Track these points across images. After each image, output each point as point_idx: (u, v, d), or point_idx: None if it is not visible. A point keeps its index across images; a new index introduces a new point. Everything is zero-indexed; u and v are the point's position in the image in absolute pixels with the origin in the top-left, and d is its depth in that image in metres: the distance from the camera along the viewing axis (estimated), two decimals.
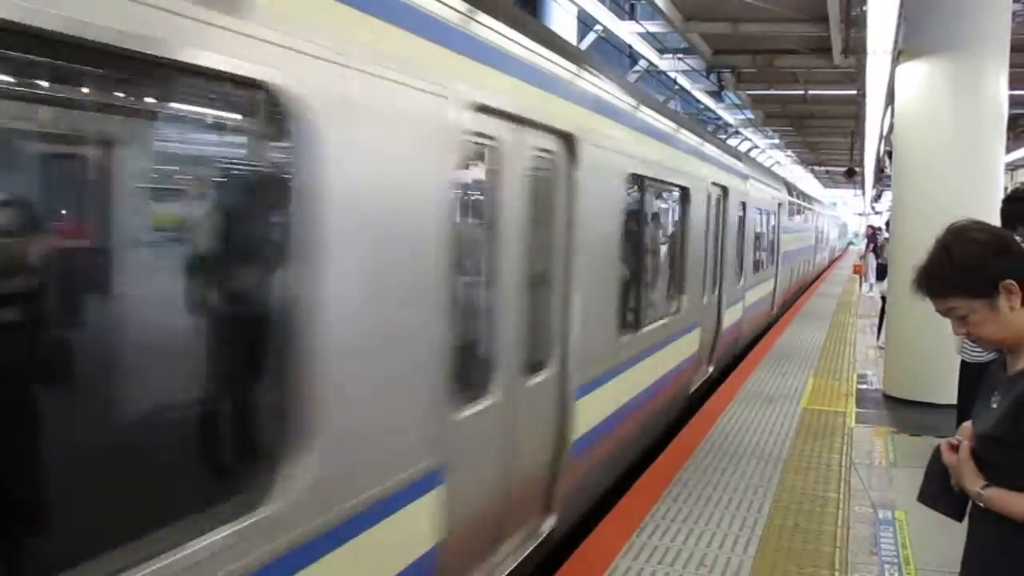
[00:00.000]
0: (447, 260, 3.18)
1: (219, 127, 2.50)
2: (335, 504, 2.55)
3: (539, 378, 4.35)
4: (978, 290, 2.08)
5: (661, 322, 6.90)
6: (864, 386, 9.01)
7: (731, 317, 10.37)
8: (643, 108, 6.19)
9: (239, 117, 2.51)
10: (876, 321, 12.75)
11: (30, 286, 1.97)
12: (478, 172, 3.77)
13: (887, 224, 12.87)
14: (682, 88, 19.01)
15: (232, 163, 2.61)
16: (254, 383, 2.55)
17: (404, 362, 2.95)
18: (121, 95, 2.19)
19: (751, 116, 24.01)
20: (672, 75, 17.68)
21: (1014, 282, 2.06)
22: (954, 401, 6.60)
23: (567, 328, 4.59)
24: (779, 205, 15.35)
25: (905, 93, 8.07)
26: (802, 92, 19.96)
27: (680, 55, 16.58)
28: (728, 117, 23.98)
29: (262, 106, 2.32)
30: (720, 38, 15.10)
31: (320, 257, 2.44)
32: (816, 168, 40.40)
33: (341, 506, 2.58)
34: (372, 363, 2.74)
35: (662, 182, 6.91)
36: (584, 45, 14.23)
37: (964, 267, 2.10)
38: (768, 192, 14.17)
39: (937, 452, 2.35)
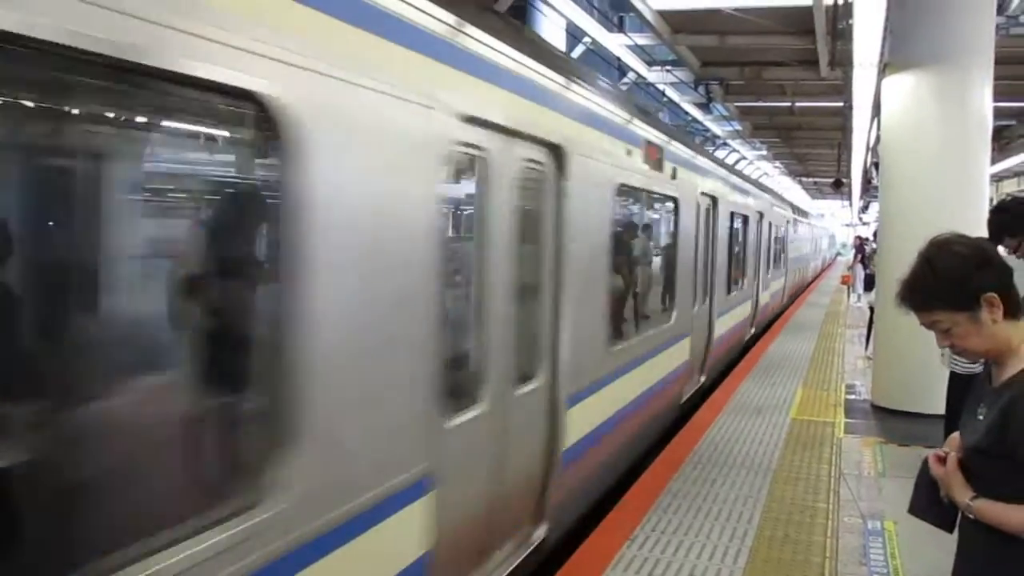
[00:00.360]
0: (437, 270, 3.22)
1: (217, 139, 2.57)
2: (324, 511, 2.55)
3: (529, 387, 4.37)
4: (960, 303, 2.09)
5: (651, 331, 7.02)
6: (853, 396, 9.03)
7: (723, 326, 10.46)
8: (632, 119, 6.22)
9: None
10: (864, 331, 12.79)
11: None
12: (468, 183, 3.79)
13: (875, 235, 12.93)
14: (670, 100, 19.09)
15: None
16: (247, 390, 2.55)
17: (393, 371, 2.97)
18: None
19: (739, 128, 24.14)
20: (660, 87, 17.77)
21: (995, 295, 2.07)
22: (942, 411, 6.64)
23: (557, 338, 4.62)
24: (760, 215, 15.32)
25: (891, 105, 8.13)
26: (789, 104, 20.09)
27: (668, 67, 16.67)
28: (716, 129, 24.10)
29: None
30: (708, 50, 15.19)
31: (312, 267, 2.46)
32: (804, 179, 40.61)
33: (330, 513, 2.58)
34: (361, 372, 2.78)
35: (650, 192, 6.99)
36: (575, 54, 14.30)
37: (946, 280, 2.11)
38: (753, 203, 14.29)
39: (926, 463, 2.36)
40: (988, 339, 2.11)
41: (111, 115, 2.17)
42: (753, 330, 14.10)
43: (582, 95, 5.03)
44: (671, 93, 18.45)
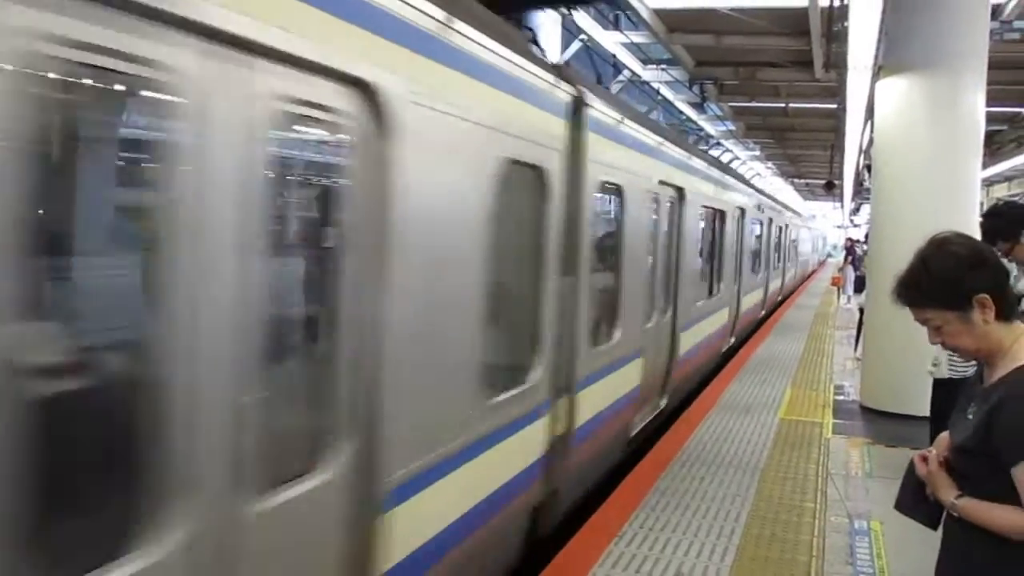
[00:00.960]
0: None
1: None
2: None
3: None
4: (951, 303, 2.11)
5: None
6: (841, 397, 9.08)
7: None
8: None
9: None
10: (854, 333, 12.86)
11: None
12: None
13: (866, 237, 12.98)
14: (665, 99, 19.13)
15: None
16: None
17: None
18: None
19: (732, 128, 24.20)
20: (655, 86, 17.79)
21: (988, 296, 2.09)
22: (928, 413, 6.68)
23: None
24: (741, 211, 13.65)
25: (884, 108, 8.17)
26: (783, 105, 20.16)
27: (663, 66, 16.69)
28: (710, 128, 24.14)
29: None
30: (703, 50, 15.22)
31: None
32: (796, 180, 40.75)
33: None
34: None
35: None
36: (568, 54, 14.32)
37: (940, 280, 2.13)
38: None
39: (913, 462, 2.38)
40: (979, 339, 2.13)
41: None
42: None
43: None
44: (665, 92, 18.48)
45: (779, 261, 20.98)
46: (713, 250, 10.95)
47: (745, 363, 11.10)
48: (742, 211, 13.38)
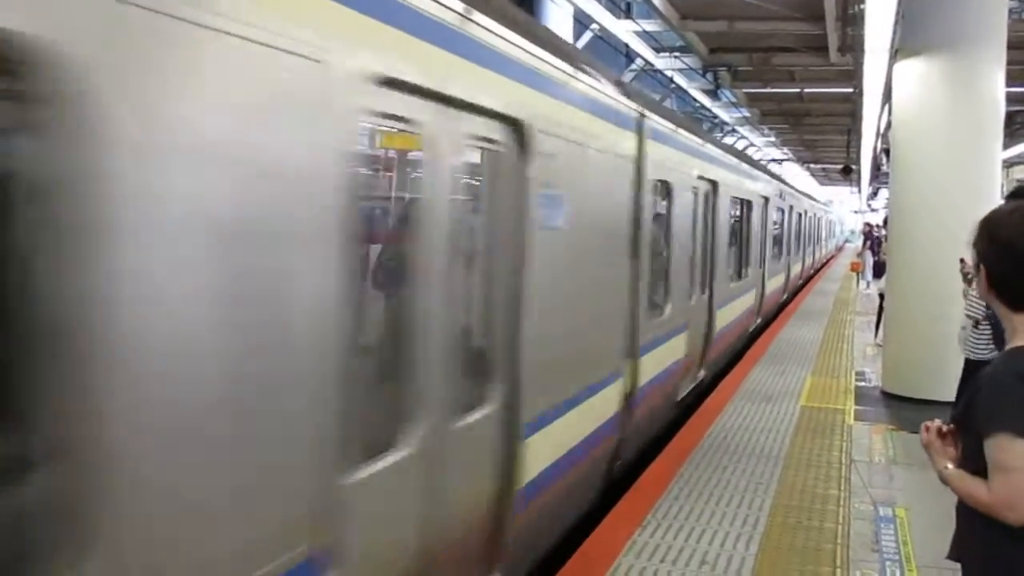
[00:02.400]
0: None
1: None
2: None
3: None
4: (976, 251, 2.18)
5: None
6: (862, 383, 9.02)
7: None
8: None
9: None
10: (874, 319, 12.78)
11: None
12: None
13: (884, 221, 12.88)
14: (678, 87, 19.04)
15: None
16: None
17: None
18: None
19: (747, 114, 24.04)
20: (668, 74, 17.70)
21: (985, 270, 2.15)
22: (951, 398, 6.64)
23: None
24: (765, 200, 13.86)
25: (903, 91, 8.09)
26: (798, 90, 20.00)
27: (676, 54, 16.59)
28: (724, 115, 24.00)
29: None
30: (716, 36, 15.12)
31: None
32: (812, 166, 40.48)
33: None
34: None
35: None
36: (581, 44, 14.27)
37: (980, 226, 2.20)
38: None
39: None
40: (984, 298, 2.27)
41: None
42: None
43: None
44: (679, 80, 18.38)
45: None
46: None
47: (766, 350, 11.06)
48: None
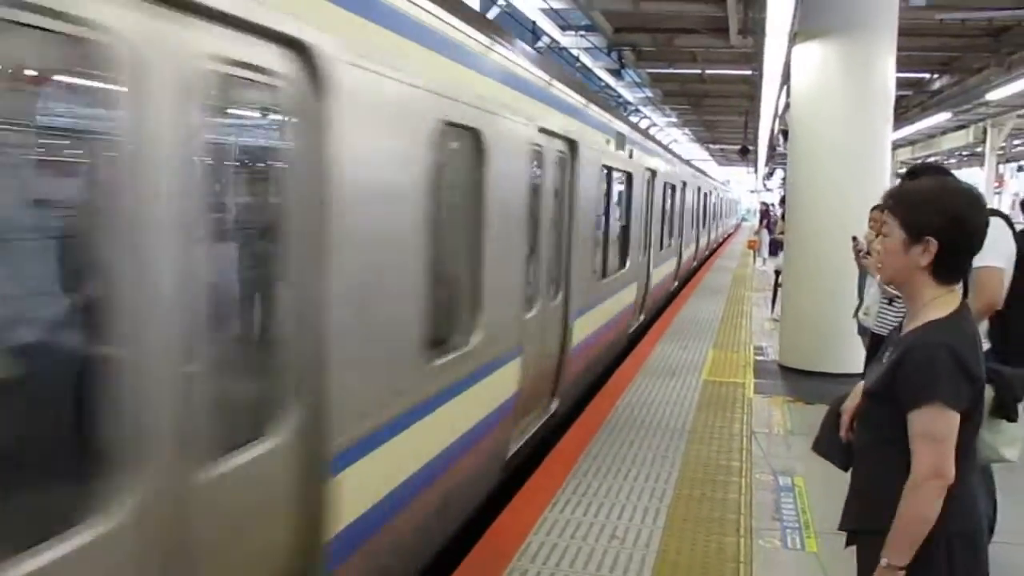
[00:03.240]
0: None
1: None
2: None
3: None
4: (911, 227, 2.15)
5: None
6: (761, 357, 9.32)
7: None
8: None
9: None
10: (770, 295, 13.22)
11: None
12: None
13: (781, 200, 13.27)
14: (584, 65, 19.13)
15: None
16: None
17: None
18: None
19: (650, 95, 24.39)
20: (574, 52, 17.76)
21: (936, 244, 2.12)
22: (844, 371, 6.93)
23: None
24: (652, 173, 11.56)
25: (800, 73, 8.32)
26: (700, 71, 20.42)
27: (582, 32, 16.66)
28: (628, 95, 24.30)
29: None
30: (621, 16, 15.25)
31: None
32: (711, 146, 41.52)
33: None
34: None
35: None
36: (490, 16, 14.10)
37: (913, 197, 2.20)
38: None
39: (830, 408, 2.54)
40: (900, 271, 2.21)
41: None
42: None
43: None
44: (584, 59, 18.48)
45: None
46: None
47: (668, 326, 11.29)
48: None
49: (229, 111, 2.79)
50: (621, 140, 8.96)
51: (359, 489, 3.18)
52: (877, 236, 6.64)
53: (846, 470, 2.45)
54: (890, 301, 6.09)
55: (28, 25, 1.85)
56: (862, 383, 2.43)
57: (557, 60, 19.81)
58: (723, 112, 27.52)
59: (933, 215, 2.12)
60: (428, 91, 3.70)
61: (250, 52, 2.52)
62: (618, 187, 9.44)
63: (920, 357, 2.09)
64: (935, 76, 18.43)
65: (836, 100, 8.00)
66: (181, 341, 2.26)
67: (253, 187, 3.16)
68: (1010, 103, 14.38)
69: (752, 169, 37.45)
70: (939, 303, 2.15)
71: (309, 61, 2.74)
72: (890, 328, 5.95)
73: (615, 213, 9.29)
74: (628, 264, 9.79)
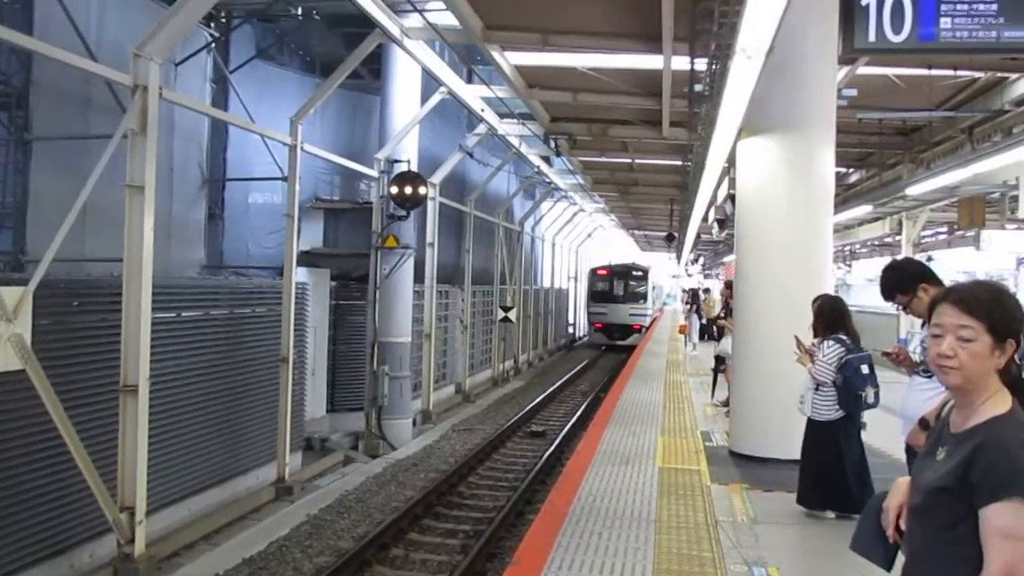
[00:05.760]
0: None
1: None
2: None
3: None
4: (999, 331, 2.19)
5: None
6: (710, 444, 9.35)
7: None
8: None
9: None
10: (705, 380, 13.42)
11: None
12: None
13: (727, 285, 13.55)
14: (517, 152, 19.56)
15: None
16: None
17: None
18: None
19: (582, 181, 24.99)
20: (512, 139, 18.15)
21: (1014, 345, 2.18)
22: (796, 457, 6.96)
23: None
24: None
25: (745, 165, 8.63)
26: (630, 160, 21.08)
27: (522, 120, 17.08)
28: (559, 181, 24.85)
29: None
30: (559, 106, 15.71)
31: None
32: (636, 232, 42.62)
33: None
34: None
35: None
36: (432, 103, 14.37)
37: (1007, 309, 2.22)
38: None
39: (871, 502, 2.50)
40: (980, 374, 2.20)
41: None
42: None
43: None
44: (516, 144, 18.93)
45: None
46: None
47: (613, 411, 11.29)
48: None
49: None
50: None
51: None
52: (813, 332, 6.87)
53: (889, 570, 2.42)
54: (816, 387, 6.30)
55: None
56: (904, 479, 2.41)
57: (495, 145, 20.22)
58: (650, 200, 28.35)
59: (1014, 320, 2.19)
60: None
61: None
62: None
63: (997, 452, 2.09)
64: (851, 170, 19.46)
65: (780, 191, 8.30)
66: None
67: None
68: (924, 198, 15.22)
69: (674, 255, 38.48)
70: (997, 399, 2.18)
71: None
72: (824, 413, 6.22)
73: None
74: None
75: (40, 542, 7.32)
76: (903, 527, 2.36)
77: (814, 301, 6.82)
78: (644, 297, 34.70)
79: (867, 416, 6.44)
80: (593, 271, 36.69)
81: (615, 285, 34.51)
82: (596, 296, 34.89)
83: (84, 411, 7.68)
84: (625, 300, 34.13)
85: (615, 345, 33.24)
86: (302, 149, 11.43)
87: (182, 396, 9.37)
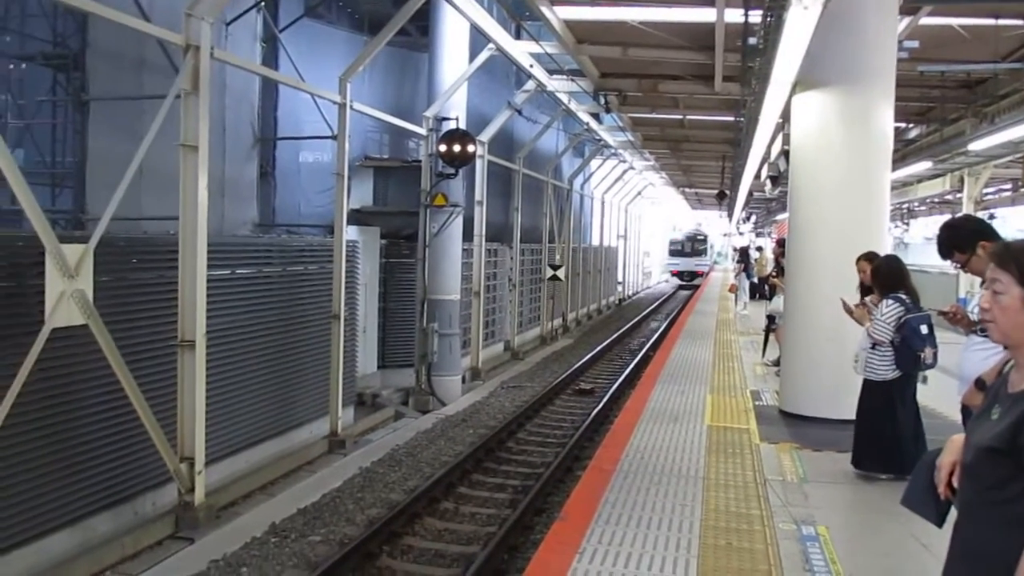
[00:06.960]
0: None
1: None
2: None
3: None
4: None
5: None
6: (759, 403, 9.29)
7: None
8: None
9: None
10: (755, 339, 13.29)
11: None
12: None
13: (780, 243, 13.37)
14: (566, 108, 19.34)
15: None
16: None
17: None
18: None
19: (631, 138, 24.67)
20: (561, 96, 17.94)
21: None
22: (848, 417, 6.88)
23: None
24: None
25: (801, 121, 8.43)
26: (681, 117, 20.74)
27: (571, 77, 16.87)
28: (609, 138, 24.56)
29: None
30: (608, 61, 15.47)
31: None
32: (687, 190, 42.05)
33: None
34: None
35: None
36: (481, 60, 14.26)
37: None
38: None
39: (924, 459, 2.48)
40: (1015, 328, 2.16)
41: None
42: None
43: None
44: (565, 100, 18.72)
45: None
46: None
47: (662, 369, 11.27)
48: None
49: None
50: None
51: None
52: (861, 285, 6.75)
53: (940, 526, 2.40)
54: (873, 346, 6.18)
55: None
56: (958, 436, 2.38)
57: (544, 101, 20.03)
58: (701, 157, 27.91)
59: None
60: None
61: None
62: None
63: None
64: (910, 126, 18.86)
65: (836, 148, 8.10)
66: None
67: None
68: (987, 154, 14.71)
69: (725, 213, 37.90)
70: None
71: None
72: (880, 373, 6.10)
73: None
74: None
75: (106, 490, 7.61)
76: (955, 485, 2.33)
77: (858, 260, 6.72)
78: (704, 253, 51.85)
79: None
80: (671, 240, 53.38)
81: (685, 245, 51.15)
82: (673, 253, 52.25)
83: (144, 365, 7.91)
84: (692, 255, 50.82)
85: (667, 299, 41.91)
86: (351, 107, 11.46)
87: (238, 351, 9.60)
